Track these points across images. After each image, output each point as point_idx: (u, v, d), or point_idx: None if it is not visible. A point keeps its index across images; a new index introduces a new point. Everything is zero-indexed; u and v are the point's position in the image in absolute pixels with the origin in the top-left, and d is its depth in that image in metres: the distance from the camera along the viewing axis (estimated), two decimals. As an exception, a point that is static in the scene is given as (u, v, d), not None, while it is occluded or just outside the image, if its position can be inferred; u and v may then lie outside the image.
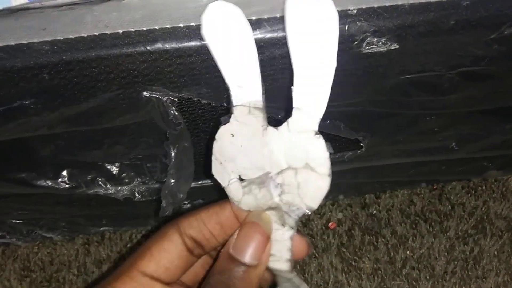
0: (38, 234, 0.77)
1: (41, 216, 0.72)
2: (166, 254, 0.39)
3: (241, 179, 0.42)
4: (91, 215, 0.74)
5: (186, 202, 0.75)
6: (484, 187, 0.87)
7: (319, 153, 0.40)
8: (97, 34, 0.43)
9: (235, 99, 0.42)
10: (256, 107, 0.42)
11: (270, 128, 0.41)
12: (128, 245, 0.81)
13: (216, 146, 0.42)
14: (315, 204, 0.40)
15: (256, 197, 0.41)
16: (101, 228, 0.80)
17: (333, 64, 0.39)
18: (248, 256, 0.39)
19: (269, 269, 0.42)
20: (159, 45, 0.43)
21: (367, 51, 0.47)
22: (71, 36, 0.42)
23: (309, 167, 0.40)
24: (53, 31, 0.43)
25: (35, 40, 0.42)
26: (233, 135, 0.42)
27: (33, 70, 0.43)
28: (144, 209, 0.73)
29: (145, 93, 0.47)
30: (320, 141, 0.40)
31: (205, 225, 0.40)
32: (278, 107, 0.52)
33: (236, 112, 0.42)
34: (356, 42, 0.46)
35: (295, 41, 0.40)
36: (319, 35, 0.39)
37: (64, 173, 0.60)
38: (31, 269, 0.79)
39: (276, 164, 0.41)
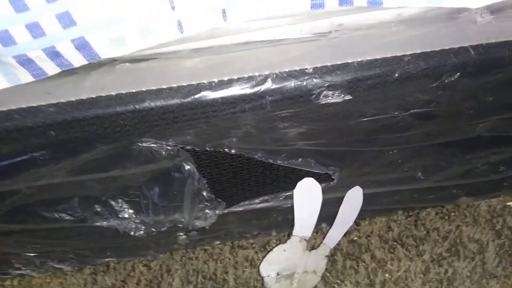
0: (50, 266, 0.84)
1: (52, 249, 0.79)
2: None
3: (277, 274, 0.79)
4: (96, 247, 0.82)
5: (181, 234, 0.82)
6: (457, 213, 0.94)
7: (323, 266, 0.85)
8: (94, 96, 0.51)
9: (295, 231, 0.79)
10: (305, 239, 0.80)
11: (306, 251, 0.81)
12: (131, 274, 0.88)
13: (271, 254, 0.80)
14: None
15: (282, 285, 0.80)
16: (106, 259, 0.87)
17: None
18: None
19: None
20: (146, 104, 0.51)
21: (324, 102, 0.55)
22: (72, 99, 0.51)
23: (315, 272, 0.83)
24: (57, 95, 0.51)
25: (42, 103, 0.50)
26: (284, 250, 0.80)
27: (41, 128, 0.51)
28: (144, 241, 0.81)
29: (138, 144, 0.55)
30: (326, 260, 0.85)
31: None
32: (253, 148, 0.61)
33: (293, 239, 0.80)
34: (313, 96, 0.54)
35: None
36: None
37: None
38: (43, 298, 0.87)
39: (300, 269, 0.81)
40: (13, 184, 0.59)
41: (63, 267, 0.87)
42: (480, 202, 0.95)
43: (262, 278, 0.80)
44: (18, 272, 0.85)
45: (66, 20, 0.45)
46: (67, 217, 0.67)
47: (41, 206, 0.65)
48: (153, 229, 0.73)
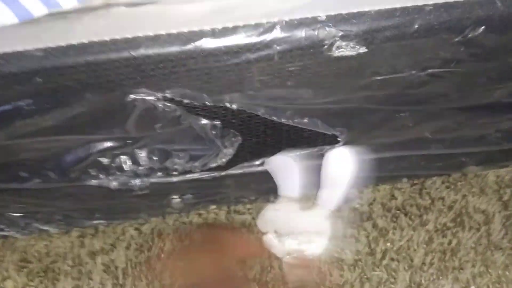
0: (35, 227, 0.80)
1: (38, 210, 0.75)
2: None
3: (275, 232, 0.72)
4: (85, 208, 0.78)
5: (175, 197, 0.78)
6: (463, 182, 0.91)
7: (327, 228, 0.72)
8: (86, 41, 0.46)
9: (279, 191, 0.74)
10: (293, 199, 0.73)
11: (300, 211, 0.73)
12: (120, 237, 0.85)
13: (264, 213, 0.74)
14: (317, 251, 0.72)
15: (284, 244, 0.72)
16: (95, 222, 0.84)
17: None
18: None
19: None
20: (142, 51, 0.47)
21: (337, 54, 0.51)
22: (62, 44, 0.46)
23: (319, 234, 0.72)
24: (46, 39, 0.46)
25: (29, 48, 0.46)
26: (275, 210, 0.74)
27: (27, 75, 0.46)
28: (136, 203, 0.77)
29: (131, 96, 0.50)
30: (329, 223, 0.73)
31: None
32: (256, 103, 0.57)
33: (281, 199, 0.73)
34: (326, 46, 0.50)
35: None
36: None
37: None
38: (28, 260, 0.83)
39: (298, 229, 0.72)
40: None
41: (49, 229, 0.83)
42: (488, 171, 0.91)
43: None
44: (1, 233, 0.81)
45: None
46: (54, 176, 0.63)
47: (27, 163, 0.60)
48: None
